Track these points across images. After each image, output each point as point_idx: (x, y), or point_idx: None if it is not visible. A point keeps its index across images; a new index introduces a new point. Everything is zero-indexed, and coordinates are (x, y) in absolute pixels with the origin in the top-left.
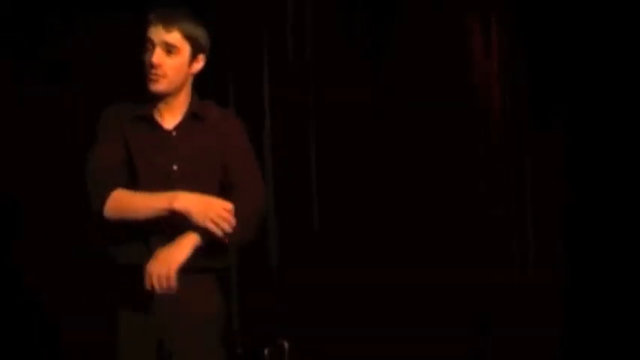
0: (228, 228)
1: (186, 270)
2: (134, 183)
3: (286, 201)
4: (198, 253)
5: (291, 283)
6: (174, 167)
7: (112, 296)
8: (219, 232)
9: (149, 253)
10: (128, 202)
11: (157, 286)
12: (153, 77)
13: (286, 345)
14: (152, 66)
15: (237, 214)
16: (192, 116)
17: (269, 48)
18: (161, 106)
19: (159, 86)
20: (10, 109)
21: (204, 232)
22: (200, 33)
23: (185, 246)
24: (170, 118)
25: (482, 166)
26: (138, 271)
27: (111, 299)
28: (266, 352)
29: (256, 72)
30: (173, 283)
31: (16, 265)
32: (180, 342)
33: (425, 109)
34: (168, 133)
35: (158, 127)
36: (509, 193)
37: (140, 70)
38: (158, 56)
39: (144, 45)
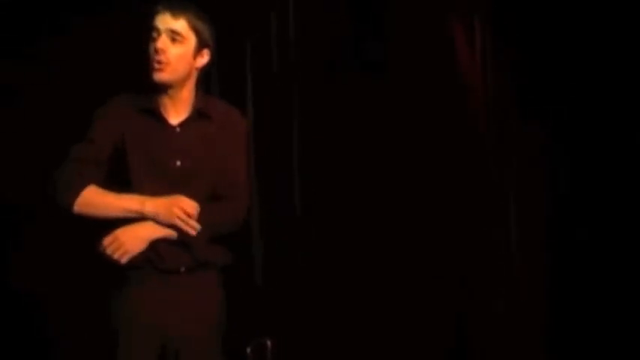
0: (191, 229)
1: (189, 268)
2: (126, 178)
3: (269, 192)
4: (200, 251)
5: (274, 281)
6: (178, 163)
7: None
8: (187, 230)
9: (154, 254)
10: (99, 201)
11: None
12: (156, 65)
13: (269, 343)
14: (156, 51)
15: (215, 217)
16: (197, 113)
17: (252, 37)
18: (166, 100)
19: (163, 75)
20: (10, 108)
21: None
22: (206, 27)
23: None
24: (174, 113)
25: (467, 161)
26: (142, 272)
27: (112, 301)
28: (248, 350)
29: (239, 61)
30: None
31: (17, 265)
32: (183, 342)
33: (409, 104)
34: (172, 128)
35: (163, 121)
36: (493, 190)
37: (144, 65)
38: (163, 42)
39: (149, 35)
